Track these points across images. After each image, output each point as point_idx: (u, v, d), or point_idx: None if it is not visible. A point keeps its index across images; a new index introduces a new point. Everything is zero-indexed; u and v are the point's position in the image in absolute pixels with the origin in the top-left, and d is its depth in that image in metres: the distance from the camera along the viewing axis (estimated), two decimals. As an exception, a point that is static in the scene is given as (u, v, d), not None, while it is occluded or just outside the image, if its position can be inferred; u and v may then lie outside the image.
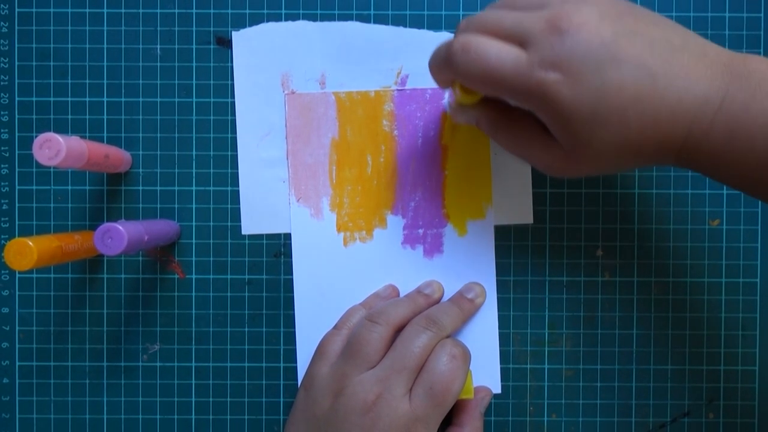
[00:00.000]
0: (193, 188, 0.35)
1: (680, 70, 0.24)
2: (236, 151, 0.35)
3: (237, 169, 0.35)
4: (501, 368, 0.35)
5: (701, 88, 0.24)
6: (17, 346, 0.36)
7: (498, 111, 0.29)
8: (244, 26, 0.35)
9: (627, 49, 0.24)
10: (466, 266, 0.35)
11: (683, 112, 0.24)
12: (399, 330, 0.31)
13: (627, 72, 0.24)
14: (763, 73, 0.24)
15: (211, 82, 0.35)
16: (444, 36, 0.35)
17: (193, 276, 0.36)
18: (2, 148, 0.35)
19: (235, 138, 0.35)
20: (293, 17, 0.35)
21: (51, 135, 0.27)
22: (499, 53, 0.25)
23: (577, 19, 0.24)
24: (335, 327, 0.33)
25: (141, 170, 0.35)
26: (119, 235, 0.28)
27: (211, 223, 0.35)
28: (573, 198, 0.36)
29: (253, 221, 0.36)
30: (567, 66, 0.24)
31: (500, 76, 0.25)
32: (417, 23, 0.35)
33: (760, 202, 0.35)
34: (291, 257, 0.35)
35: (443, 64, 0.27)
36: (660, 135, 0.25)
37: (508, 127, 0.29)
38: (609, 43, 0.24)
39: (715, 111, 0.24)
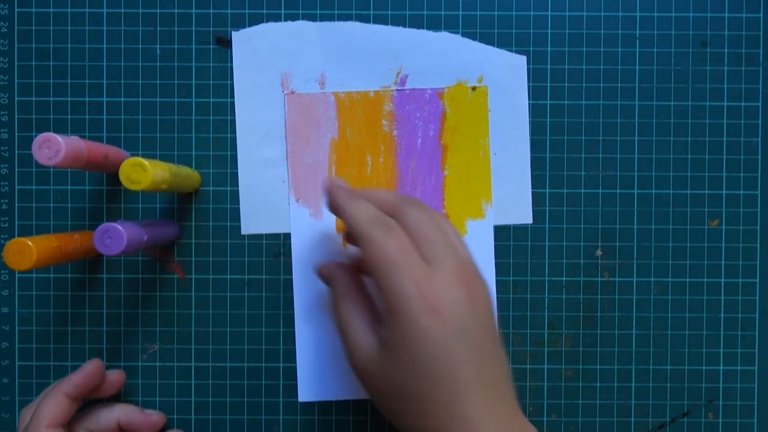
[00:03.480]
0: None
1: (484, 404, 0.25)
2: (236, 151, 0.35)
3: (236, 169, 0.35)
4: (500, 368, 0.35)
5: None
6: (17, 345, 0.36)
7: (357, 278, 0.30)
8: (243, 26, 0.35)
9: (458, 348, 0.25)
10: (466, 266, 0.35)
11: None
12: None
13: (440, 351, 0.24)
14: None
15: (211, 82, 0.35)
16: (444, 36, 0.35)
17: (193, 276, 0.36)
18: (2, 148, 0.35)
19: (235, 138, 0.35)
20: (293, 17, 0.35)
21: (50, 135, 0.27)
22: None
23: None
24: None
25: (140, 170, 0.35)
26: (118, 235, 0.28)
27: (211, 223, 0.35)
28: (572, 198, 0.36)
29: (253, 221, 0.36)
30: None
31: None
32: (416, 23, 0.35)
33: (759, 203, 0.35)
34: (290, 257, 0.35)
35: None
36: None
37: (351, 293, 0.29)
38: (451, 309, 0.25)
39: None
